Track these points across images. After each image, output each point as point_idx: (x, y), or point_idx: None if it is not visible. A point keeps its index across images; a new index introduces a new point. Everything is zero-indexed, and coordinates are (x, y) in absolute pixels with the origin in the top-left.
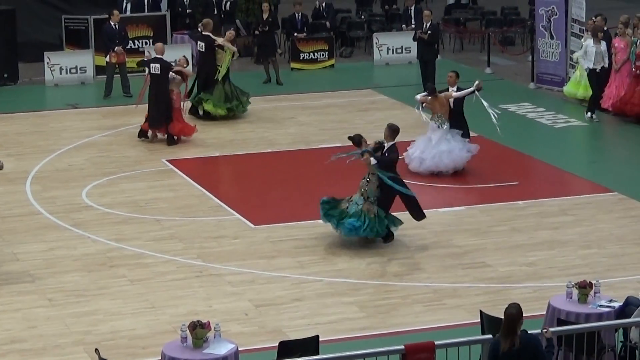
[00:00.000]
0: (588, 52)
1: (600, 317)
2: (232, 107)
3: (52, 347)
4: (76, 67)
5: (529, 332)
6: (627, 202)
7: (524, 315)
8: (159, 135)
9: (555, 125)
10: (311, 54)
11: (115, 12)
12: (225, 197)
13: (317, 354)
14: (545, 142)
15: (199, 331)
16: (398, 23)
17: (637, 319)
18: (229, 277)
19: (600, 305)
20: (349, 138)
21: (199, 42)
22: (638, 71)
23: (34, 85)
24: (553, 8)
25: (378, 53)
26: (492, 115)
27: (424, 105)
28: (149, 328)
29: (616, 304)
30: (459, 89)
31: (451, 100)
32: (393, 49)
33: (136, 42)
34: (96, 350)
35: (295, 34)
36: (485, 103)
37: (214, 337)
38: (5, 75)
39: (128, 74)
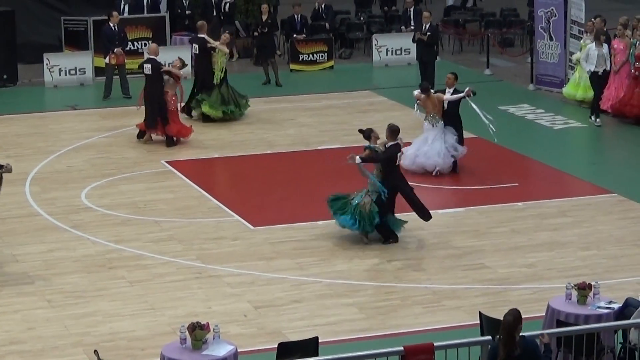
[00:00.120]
0: (590, 55)
1: (599, 318)
2: (227, 111)
3: (51, 348)
4: (75, 68)
5: (527, 337)
6: (626, 204)
7: (522, 317)
8: (153, 137)
9: (554, 126)
10: (310, 55)
11: (115, 13)
12: (225, 198)
13: (317, 355)
14: (545, 144)
15: (198, 332)
16: (397, 24)
17: (636, 320)
18: (228, 278)
19: (599, 307)
20: (360, 131)
21: (194, 45)
22: (637, 72)
23: (33, 87)
24: (552, 9)
25: (377, 54)
26: (485, 120)
27: (418, 102)
28: (148, 329)
29: (615, 306)
30: (456, 91)
31: (445, 102)
32: (392, 51)
33: (135, 43)
34: (95, 351)
35: (295, 36)
36: (477, 109)
37: (213, 338)
38: (5, 76)
39: (127, 76)
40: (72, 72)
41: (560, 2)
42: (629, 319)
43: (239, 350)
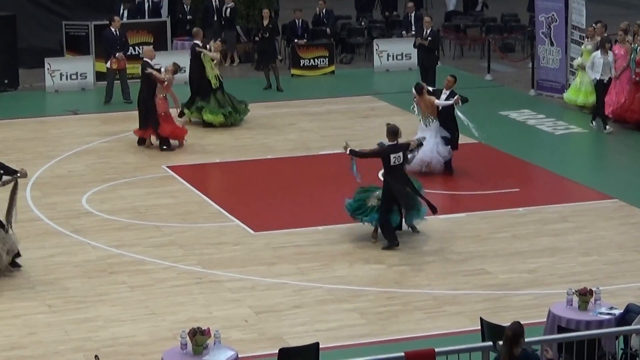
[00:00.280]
0: (595, 62)
1: (600, 324)
2: (225, 113)
3: (52, 353)
4: (76, 73)
5: (528, 351)
6: (627, 209)
7: (523, 324)
8: (154, 142)
9: (555, 132)
10: (311, 60)
11: (116, 18)
12: (226, 203)
13: None
14: (546, 149)
15: (199, 338)
16: (398, 29)
17: (637, 326)
18: (229, 283)
19: (600, 313)
20: (388, 125)
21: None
22: (638, 78)
23: (34, 91)
24: (553, 15)
25: (378, 59)
26: (471, 129)
27: (415, 99)
28: (149, 335)
29: (617, 312)
30: (452, 94)
31: (436, 105)
32: (393, 56)
33: (137, 48)
34: (96, 356)
35: (296, 41)
36: (462, 117)
37: (214, 343)
38: (6, 81)
39: (128, 80)
40: (73, 76)
41: (561, 8)
42: (630, 325)
43: (239, 356)
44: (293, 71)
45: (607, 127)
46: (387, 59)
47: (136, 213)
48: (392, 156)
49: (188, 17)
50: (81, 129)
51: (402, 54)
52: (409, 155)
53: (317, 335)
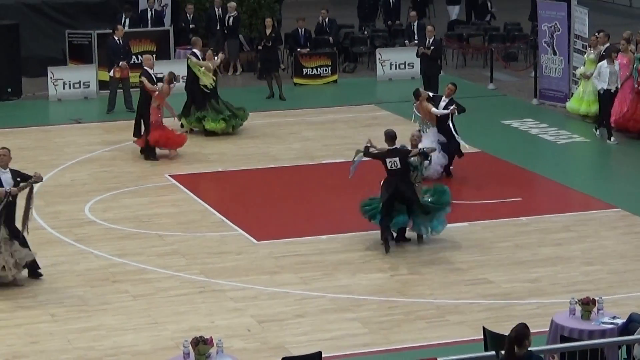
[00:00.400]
0: (602, 72)
1: (603, 334)
2: (225, 117)
3: None
4: (79, 82)
5: (534, 355)
6: (630, 219)
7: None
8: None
9: (558, 141)
10: (314, 69)
11: (120, 27)
12: (228, 212)
13: None
14: (548, 158)
15: (201, 347)
16: (401, 39)
17: None
18: (231, 292)
19: (603, 322)
20: (386, 130)
21: None
22: None
23: (38, 100)
24: (556, 24)
25: (381, 68)
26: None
27: (415, 105)
28: (152, 344)
29: (619, 321)
30: (452, 101)
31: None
32: (396, 65)
33: (139, 57)
34: None
35: (298, 50)
36: (452, 128)
37: (217, 353)
38: (9, 89)
39: (131, 89)
40: (76, 85)
41: (563, 17)
42: (632, 334)
43: None
44: (296, 80)
45: (612, 138)
46: (390, 68)
47: (139, 222)
48: (387, 160)
49: (191, 26)
50: (84, 138)
51: (404, 63)
52: (425, 163)
53: (320, 345)
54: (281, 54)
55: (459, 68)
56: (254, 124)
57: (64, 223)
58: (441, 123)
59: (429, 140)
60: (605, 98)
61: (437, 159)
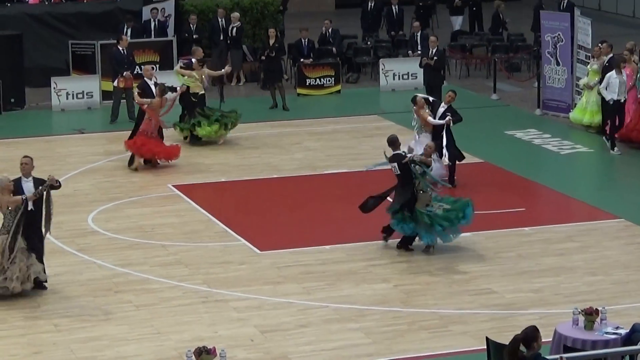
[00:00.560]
0: (611, 83)
1: (606, 344)
2: (217, 118)
3: None
4: (83, 92)
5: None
6: (633, 229)
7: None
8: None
9: (561, 151)
10: (317, 79)
11: (124, 37)
12: (231, 222)
13: None
14: (551, 169)
15: (204, 357)
16: (404, 49)
17: None
18: (234, 302)
19: (606, 332)
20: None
21: None
22: None
23: (41, 110)
24: (559, 35)
25: (384, 79)
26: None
27: (414, 109)
28: (155, 354)
29: (622, 331)
30: (450, 109)
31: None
32: (399, 75)
33: (143, 67)
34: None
35: (302, 60)
36: (445, 138)
37: None
38: (12, 100)
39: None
40: (80, 95)
41: (566, 27)
42: (636, 344)
43: None
44: (299, 90)
45: (615, 148)
46: (393, 79)
47: (142, 232)
48: (390, 165)
49: (194, 36)
50: (87, 148)
51: (408, 73)
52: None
53: (323, 355)
54: (284, 64)
55: (462, 78)
56: (256, 134)
57: (67, 233)
58: (437, 131)
59: (420, 147)
60: (615, 109)
61: (436, 169)
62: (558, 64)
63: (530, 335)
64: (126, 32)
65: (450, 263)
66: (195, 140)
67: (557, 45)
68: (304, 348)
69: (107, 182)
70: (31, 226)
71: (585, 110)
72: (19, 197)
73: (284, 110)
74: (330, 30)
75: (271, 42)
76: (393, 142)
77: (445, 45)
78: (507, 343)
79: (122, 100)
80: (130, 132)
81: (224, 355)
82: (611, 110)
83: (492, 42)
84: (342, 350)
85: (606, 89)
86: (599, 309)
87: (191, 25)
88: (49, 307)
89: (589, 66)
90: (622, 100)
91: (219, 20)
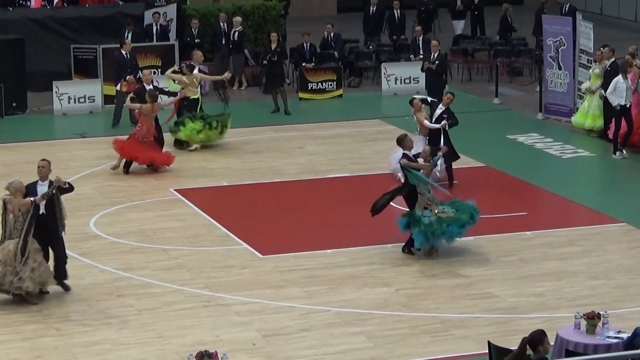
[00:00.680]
0: (618, 88)
1: (608, 348)
2: (203, 116)
3: None
4: (85, 96)
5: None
6: (635, 233)
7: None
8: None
9: (563, 155)
10: (319, 84)
11: (127, 41)
12: (233, 226)
13: None
14: (553, 173)
15: None
16: (406, 53)
17: None
18: (236, 307)
19: (608, 336)
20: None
21: None
22: None
23: (43, 115)
24: (561, 39)
25: (386, 83)
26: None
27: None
28: (156, 358)
29: (624, 335)
30: (448, 110)
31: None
32: (401, 79)
33: (142, 72)
34: None
35: (304, 64)
36: (442, 141)
37: None
38: (14, 104)
39: None
40: (82, 100)
41: (569, 32)
42: (638, 348)
43: None
44: (301, 95)
45: (617, 152)
46: (395, 83)
47: (144, 236)
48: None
49: (196, 40)
50: (89, 152)
51: (409, 77)
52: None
53: (325, 359)
54: (286, 68)
55: (464, 82)
56: (258, 139)
57: (68, 237)
58: (433, 135)
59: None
60: (622, 113)
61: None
62: (560, 68)
63: (536, 338)
64: (127, 36)
65: (451, 267)
66: (179, 145)
67: (559, 50)
68: (305, 352)
69: (109, 186)
70: (45, 230)
71: (587, 115)
72: (29, 199)
73: (286, 115)
74: (332, 34)
75: (273, 46)
76: (400, 140)
77: (447, 49)
78: (508, 347)
79: (124, 105)
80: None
81: None
82: (617, 115)
83: (494, 47)
84: (343, 355)
85: (613, 94)
86: (601, 313)
87: (193, 30)
88: (51, 311)
89: (591, 70)
90: (628, 106)
91: (221, 24)
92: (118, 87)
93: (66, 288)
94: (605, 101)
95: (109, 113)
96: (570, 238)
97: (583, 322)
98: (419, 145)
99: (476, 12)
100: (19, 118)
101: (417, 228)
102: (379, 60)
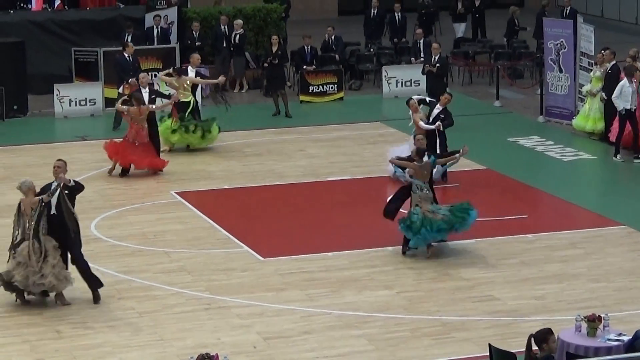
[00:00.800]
0: (624, 91)
1: (609, 350)
2: (183, 117)
3: None
4: (85, 99)
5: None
6: (636, 236)
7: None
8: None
9: (564, 158)
10: (320, 86)
11: (130, 44)
12: (234, 229)
13: None
14: (554, 175)
15: None
16: (407, 56)
17: None
18: (237, 309)
19: (609, 339)
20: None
21: None
22: None
23: (44, 117)
24: (562, 42)
25: (387, 86)
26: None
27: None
28: None
29: (625, 338)
30: (445, 111)
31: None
32: (402, 82)
33: (139, 75)
34: None
35: (305, 67)
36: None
37: None
38: (15, 107)
39: None
40: (82, 102)
41: (569, 35)
42: (638, 351)
43: None
44: (302, 97)
45: (619, 155)
46: (396, 86)
47: (145, 239)
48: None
49: (197, 43)
50: (90, 155)
51: (410, 80)
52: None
53: None
54: (287, 71)
55: (465, 85)
56: (259, 141)
57: None
58: (429, 135)
59: (409, 147)
60: (629, 118)
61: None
62: (561, 70)
63: (540, 336)
64: (127, 39)
65: (452, 270)
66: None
67: (560, 52)
68: (306, 355)
69: (110, 189)
70: (57, 230)
71: (588, 117)
72: (37, 198)
73: (287, 117)
74: (333, 37)
75: (274, 49)
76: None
77: (448, 52)
78: (509, 350)
79: (115, 107)
80: None
81: None
82: (622, 119)
83: (494, 49)
84: (345, 357)
85: (619, 98)
86: (602, 315)
87: (194, 33)
88: (52, 313)
89: (591, 73)
90: (633, 110)
91: (222, 27)
92: (120, 90)
93: (95, 298)
94: (606, 104)
95: (110, 116)
96: (572, 241)
97: (584, 325)
98: (408, 144)
99: (477, 15)
100: (20, 121)
101: (403, 224)
102: (380, 63)
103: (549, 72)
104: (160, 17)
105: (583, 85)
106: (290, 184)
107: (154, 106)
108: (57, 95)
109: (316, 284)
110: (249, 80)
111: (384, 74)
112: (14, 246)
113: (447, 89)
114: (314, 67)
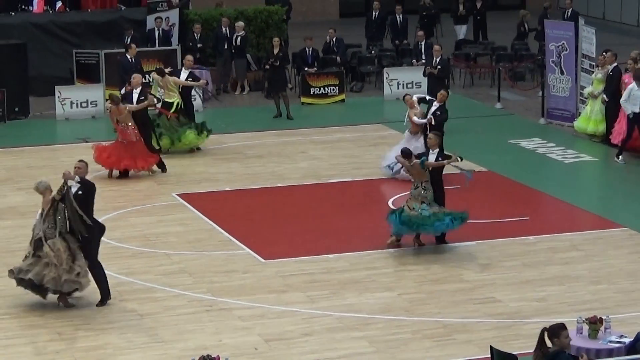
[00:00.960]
0: (632, 95)
1: (610, 352)
2: (155, 120)
3: None
4: (87, 101)
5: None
6: (637, 238)
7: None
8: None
9: (565, 160)
10: (321, 88)
11: (133, 45)
12: (235, 231)
13: None
14: (556, 178)
15: None
16: (408, 58)
17: None
18: (238, 311)
19: (610, 341)
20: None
21: None
22: None
23: (45, 119)
24: (563, 44)
25: (388, 88)
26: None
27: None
28: None
29: (627, 340)
30: (442, 107)
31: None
32: (403, 84)
33: (147, 76)
34: None
35: (306, 69)
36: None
37: None
38: (16, 109)
39: None
40: (84, 104)
41: (571, 36)
42: None
43: None
44: (303, 99)
45: (620, 157)
46: (397, 88)
47: (146, 241)
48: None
49: (198, 45)
50: (91, 157)
51: (412, 82)
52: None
53: None
54: (289, 73)
55: (467, 87)
56: (261, 143)
57: None
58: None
59: (404, 143)
60: (635, 121)
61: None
62: (562, 72)
63: (552, 331)
64: (126, 41)
65: (454, 272)
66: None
67: (562, 54)
68: (308, 357)
69: (111, 190)
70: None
71: (590, 119)
72: (50, 196)
73: (288, 119)
74: (334, 39)
75: (275, 51)
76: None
77: (450, 54)
78: (510, 352)
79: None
80: None
81: None
82: (630, 122)
83: (496, 51)
84: (346, 359)
85: (627, 101)
86: (603, 317)
87: (195, 35)
88: (53, 315)
89: (593, 75)
90: None
91: (223, 29)
92: (122, 92)
93: (100, 302)
94: (608, 106)
95: None
96: (573, 243)
97: (585, 327)
98: (410, 142)
99: (478, 17)
100: (22, 123)
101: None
102: (381, 65)
103: (551, 74)
104: (162, 19)
105: (584, 88)
106: (291, 186)
107: (130, 105)
108: (58, 97)
109: (317, 286)
110: (250, 82)
111: (385, 76)
112: (36, 247)
113: (448, 91)
114: (315, 69)
